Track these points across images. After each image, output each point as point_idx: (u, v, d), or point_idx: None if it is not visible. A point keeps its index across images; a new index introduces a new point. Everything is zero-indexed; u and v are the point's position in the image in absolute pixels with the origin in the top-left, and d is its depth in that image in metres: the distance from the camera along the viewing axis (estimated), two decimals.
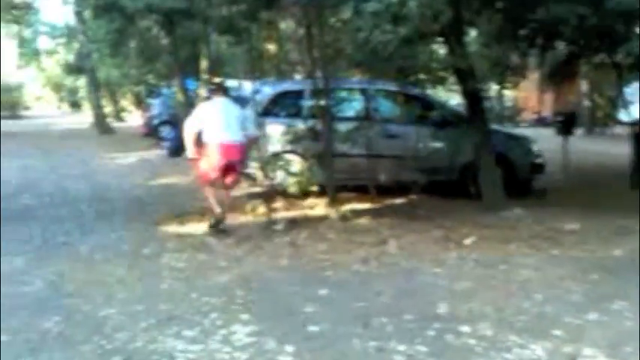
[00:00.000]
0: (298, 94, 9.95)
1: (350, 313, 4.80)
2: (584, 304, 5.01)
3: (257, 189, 8.69)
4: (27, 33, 40.89)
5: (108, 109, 30.38)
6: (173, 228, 7.65)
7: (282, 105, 10.12)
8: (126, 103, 34.40)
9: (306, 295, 5.22)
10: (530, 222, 7.93)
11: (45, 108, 41.98)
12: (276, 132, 9.30)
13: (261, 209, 8.21)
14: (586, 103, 24.29)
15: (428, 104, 10.05)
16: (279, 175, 9.13)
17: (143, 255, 6.49)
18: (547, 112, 28.53)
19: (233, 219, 7.98)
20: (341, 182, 8.53)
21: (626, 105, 11.94)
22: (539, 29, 8.71)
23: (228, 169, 7.50)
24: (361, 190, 8.92)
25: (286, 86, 10.89)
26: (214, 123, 7.45)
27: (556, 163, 11.23)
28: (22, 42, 41.80)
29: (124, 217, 8.40)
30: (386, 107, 10.40)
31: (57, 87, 41.83)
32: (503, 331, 4.47)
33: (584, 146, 14.02)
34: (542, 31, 8.81)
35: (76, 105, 39.84)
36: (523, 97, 29.84)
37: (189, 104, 15.27)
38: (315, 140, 8.65)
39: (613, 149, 17.27)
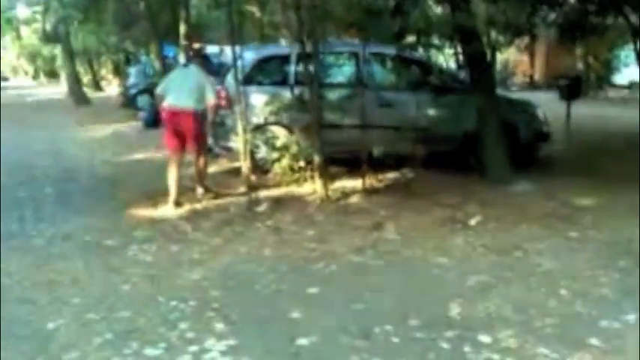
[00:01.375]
0: (284, 60, 9.01)
1: (346, 319, 4.03)
2: (619, 301, 4.30)
3: (238, 165, 7.84)
4: (2, 1, 39.34)
5: (86, 78, 29.25)
6: (144, 212, 6.78)
7: (266, 72, 9.20)
8: (105, 72, 33.22)
9: (294, 295, 4.45)
10: (539, 197, 7.24)
11: (22, 79, 40.61)
12: (259, 102, 8.46)
13: (242, 188, 7.39)
14: (579, 66, 23.72)
15: (426, 69, 9.16)
16: (263, 150, 8.32)
17: (106, 247, 5.61)
18: (538, 75, 27.94)
19: (210, 200, 7.19)
20: (331, 156, 7.68)
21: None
22: None
23: (180, 138, 7.10)
24: (354, 165, 8.07)
25: (270, 51, 9.91)
26: (169, 91, 7.20)
27: (557, 129, 10.45)
28: None
29: (91, 199, 7.55)
30: (380, 73, 9.52)
31: (32, 57, 40.41)
32: (530, 340, 3.74)
33: (581, 110, 13.29)
34: None
35: (53, 75, 38.54)
36: (514, 61, 29.12)
37: (168, 72, 14.31)
38: (303, 110, 7.78)
39: (610, 112, 16.64)
